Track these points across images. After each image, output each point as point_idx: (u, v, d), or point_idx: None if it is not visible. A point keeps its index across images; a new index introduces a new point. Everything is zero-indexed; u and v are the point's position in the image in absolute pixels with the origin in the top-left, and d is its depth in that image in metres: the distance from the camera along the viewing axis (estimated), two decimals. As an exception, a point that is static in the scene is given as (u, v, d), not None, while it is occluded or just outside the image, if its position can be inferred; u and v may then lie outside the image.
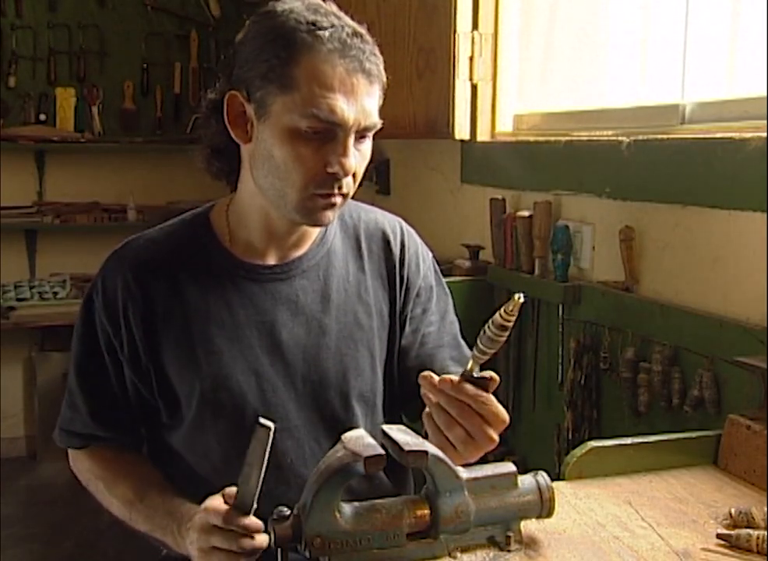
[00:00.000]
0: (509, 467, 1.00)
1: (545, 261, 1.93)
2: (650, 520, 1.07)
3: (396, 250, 1.28)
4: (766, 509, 1.05)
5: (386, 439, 0.94)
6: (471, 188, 2.37)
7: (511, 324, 0.91)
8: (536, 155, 2.01)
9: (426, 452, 0.92)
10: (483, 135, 2.25)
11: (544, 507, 0.99)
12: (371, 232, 1.28)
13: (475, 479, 0.97)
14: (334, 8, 1.10)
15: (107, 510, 1.23)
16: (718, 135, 1.45)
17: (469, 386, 0.93)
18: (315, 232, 1.22)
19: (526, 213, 1.96)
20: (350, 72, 1.04)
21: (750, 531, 1.00)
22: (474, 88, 2.21)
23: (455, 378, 0.93)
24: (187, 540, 1.02)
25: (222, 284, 1.17)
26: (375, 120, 1.08)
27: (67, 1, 3.68)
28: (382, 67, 1.09)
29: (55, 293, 3.63)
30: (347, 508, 0.93)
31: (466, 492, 0.95)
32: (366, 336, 1.23)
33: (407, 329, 1.27)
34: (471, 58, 2.18)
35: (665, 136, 1.59)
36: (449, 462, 0.95)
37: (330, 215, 1.11)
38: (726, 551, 0.99)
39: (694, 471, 1.25)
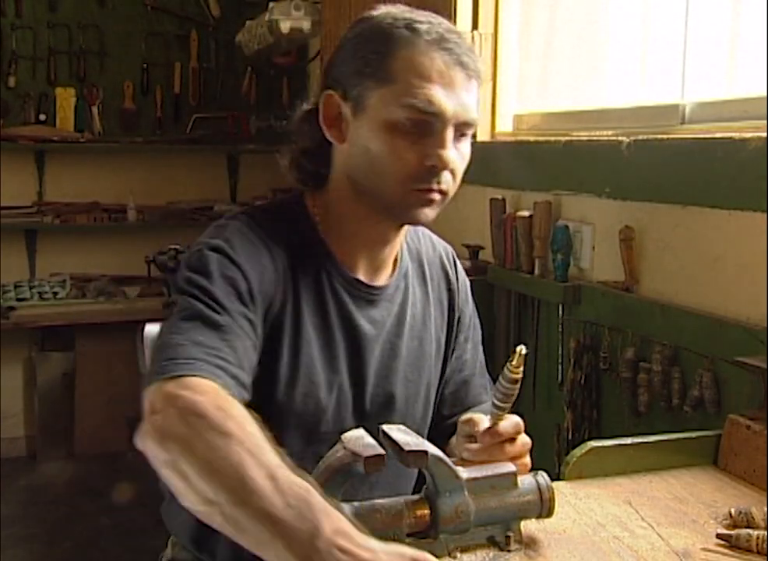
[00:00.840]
0: (509, 467, 1.00)
1: (545, 261, 1.93)
2: (650, 520, 1.07)
3: (453, 278, 1.28)
4: (766, 509, 1.05)
5: (386, 439, 0.95)
6: (471, 188, 2.36)
7: (520, 376, 0.99)
8: (536, 155, 2.01)
9: (426, 452, 0.92)
10: (483, 136, 2.25)
11: (544, 507, 0.99)
12: (432, 258, 1.27)
13: (475, 479, 0.97)
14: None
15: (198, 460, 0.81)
16: (718, 135, 1.45)
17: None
18: (397, 246, 1.18)
19: (526, 213, 1.96)
20: (448, 65, 1.03)
21: (750, 531, 1.00)
22: (474, 88, 2.20)
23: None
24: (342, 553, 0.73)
25: (320, 284, 1.12)
26: (474, 116, 1.07)
27: (67, 1, 3.69)
28: (480, 65, 1.08)
29: (55, 293, 3.63)
30: (347, 508, 0.93)
31: (466, 492, 0.95)
32: (426, 364, 1.22)
33: (453, 356, 1.28)
34: (471, 58, 2.18)
35: (665, 136, 1.59)
36: (449, 462, 0.95)
37: (429, 213, 1.08)
38: (726, 551, 0.99)
39: (694, 471, 1.25)
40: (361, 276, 1.15)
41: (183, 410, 0.82)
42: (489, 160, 2.24)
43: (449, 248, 1.32)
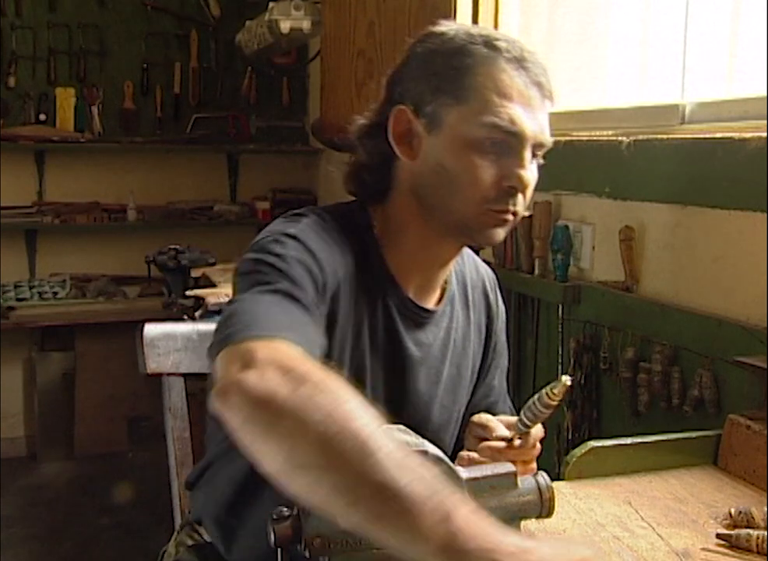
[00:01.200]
0: (509, 467, 1.00)
1: (545, 261, 1.93)
2: (650, 520, 1.07)
3: (494, 304, 1.26)
4: (766, 509, 1.05)
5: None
6: (471, 188, 2.37)
7: (556, 404, 0.99)
8: (536, 155, 2.01)
9: (426, 452, 0.92)
10: (483, 135, 2.24)
11: (544, 507, 0.99)
12: (475, 282, 1.24)
13: (475, 479, 0.97)
14: None
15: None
16: (718, 135, 1.45)
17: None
18: (450, 269, 1.16)
19: (526, 213, 1.95)
20: (528, 84, 1.01)
21: (750, 531, 1.00)
22: (474, 88, 2.20)
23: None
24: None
25: (375, 298, 1.08)
26: (548, 138, 1.05)
27: (67, 1, 3.68)
28: (553, 86, 1.05)
29: (55, 293, 3.63)
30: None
31: (466, 492, 0.95)
32: (462, 390, 1.21)
33: (484, 381, 1.27)
34: (471, 58, 2.18)
35: (665, 136, 1.59)
36: (449, 462, 0.95)
37: (501, 233, 1.06)
38: (726, 551, 0.99)
39: (694, 471, 1.25)
40: (411, 295, 1.12)
41: (287, 370, 0.75)
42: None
43: (491, 273, 1.29)
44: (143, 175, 3.86)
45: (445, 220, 1.06)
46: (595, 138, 1.81)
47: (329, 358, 1.01)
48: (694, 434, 1.30)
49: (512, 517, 0.98)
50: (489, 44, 1.02)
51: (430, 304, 1.15)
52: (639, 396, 1.61)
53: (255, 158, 4.01)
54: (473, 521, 0.67)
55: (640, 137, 1.63)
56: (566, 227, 1.85)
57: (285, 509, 0.92)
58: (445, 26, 1.08)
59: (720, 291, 1.49)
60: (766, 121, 1.37)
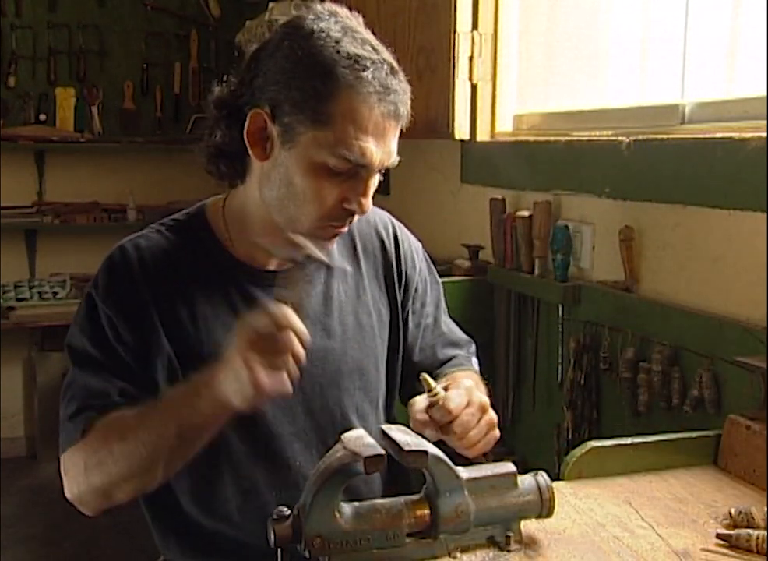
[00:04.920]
0: (509, 467, 1.00)
1: (545, 261, 1.93)
2: (650, 520, 1.07)
3: (391, 248, 1.30)
4: (766, 509, 1.05)
5: (386, 439, 0.95)
6: (471, 188, 2.37)
7: (436, 398, 1.05)
8: (536, 155, 2.01)
9: (426, 452, 0.92)
10: (483, 135, 2.24)
11: (544, 507, 1.00)
12: (365, 231, 1.29)
13: (475, 479, 0.97)
14: (364, 29, 1.08)
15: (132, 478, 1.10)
16: (718, 135, 1.45)
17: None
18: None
19: (526, 213, 1.96)
20: (385, 116, 1.04)
21: (750, 530, 1.00)
22: (474, 88, 2.20)
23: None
24: (225, 373, 0.96)
25: (227, 287, 1.16)
26: (395, 158, 1.09)
27: (67, 1, 3.69)
28: (409, 103, 1.08)
29: (55, 293, 3.63)
30: (347, 508, 0.93)
31: (466, 492, 0.95)
32: (367, 337, 1.24)
33: (410, 324, 1.31)
34: (471, 58, 2.18)
35: (665, 136, 1.59)
36: (449, 462, 0.95)
37: (334, 241, 1.14)
38: (726, 551, 0.99)
39: (694, 471, 1.25)
40: (273, 265, 1.19)
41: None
42: (489, 160, 2.24)
43: (388, 218, 1.34)
44: (143, 175, 3.86)
45: (284, 224, 1.11)
46: (595, 138, 1.81)
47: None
48: (694, 434, 1.30)
49: (512, 517, 0.99)
50: (354, 69, 1.02)
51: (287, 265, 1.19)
52: (639, 396, 1.61)
53: (255, 158, 4.01)
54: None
55: (640, 137, 1.63)
56: (566, 227, 1.84)
57: (285, 509, 0.92)
58: (314, 22, 1.05)
59: (720, 291, 1.49)
60: (766, 121, 1.37)
